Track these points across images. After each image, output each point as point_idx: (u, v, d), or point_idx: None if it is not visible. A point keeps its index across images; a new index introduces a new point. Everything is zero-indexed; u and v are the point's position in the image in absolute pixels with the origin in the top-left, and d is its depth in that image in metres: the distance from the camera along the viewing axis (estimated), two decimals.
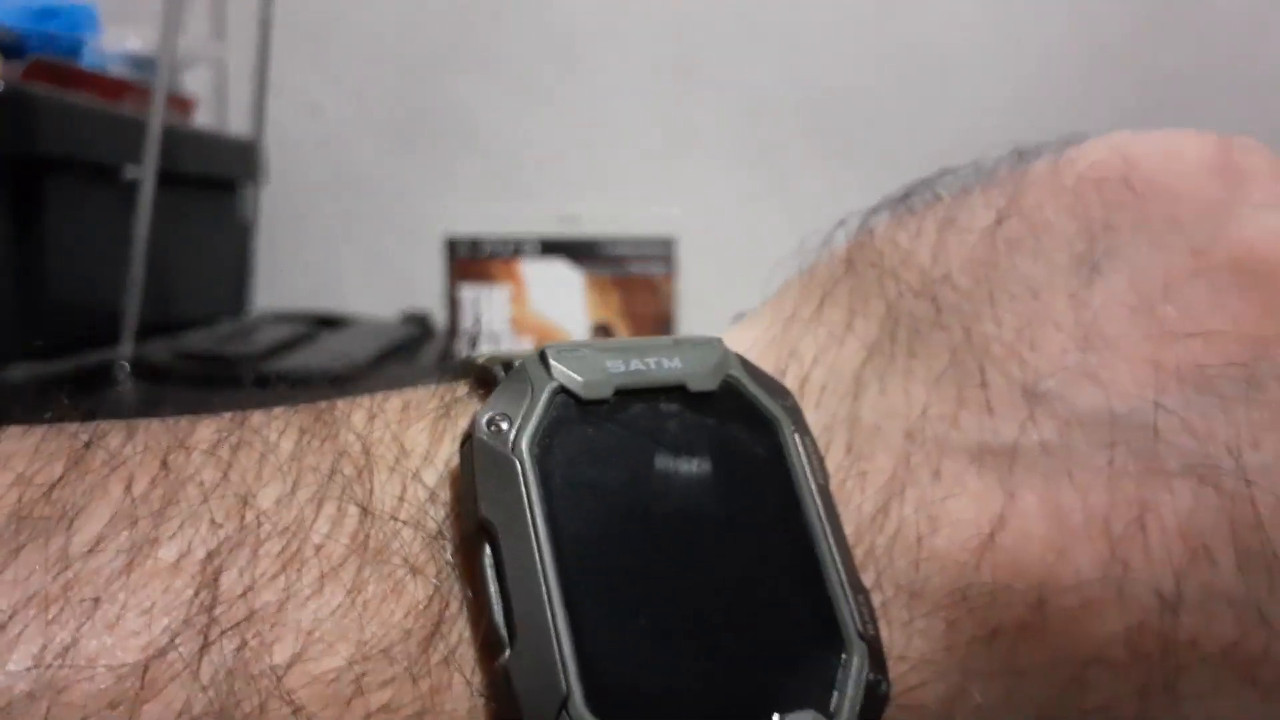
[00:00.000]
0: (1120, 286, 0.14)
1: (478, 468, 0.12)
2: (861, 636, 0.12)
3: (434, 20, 1.17)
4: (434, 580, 0.12)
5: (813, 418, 0.14)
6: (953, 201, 0.16)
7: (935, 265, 0.15)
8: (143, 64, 0.87)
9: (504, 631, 0.11)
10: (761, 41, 1.20)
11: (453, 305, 0.82)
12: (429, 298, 1.12)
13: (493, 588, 0.11)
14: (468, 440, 0.12)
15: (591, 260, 0.83)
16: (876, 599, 0.13)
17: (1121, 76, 1.24)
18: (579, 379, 0.13)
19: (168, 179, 0.75)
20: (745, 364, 0.14)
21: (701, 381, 0.13)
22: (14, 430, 0.13)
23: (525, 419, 0.12)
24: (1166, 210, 0.15)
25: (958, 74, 1.23)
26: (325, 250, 1.19)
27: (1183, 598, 0.13)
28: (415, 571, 0.12)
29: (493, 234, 0.80)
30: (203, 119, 1.09)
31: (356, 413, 0.14)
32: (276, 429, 0.13)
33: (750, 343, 0.15)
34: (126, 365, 0.64)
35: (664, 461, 0.12)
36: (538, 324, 0.83)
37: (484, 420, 0.12)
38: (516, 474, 0.12)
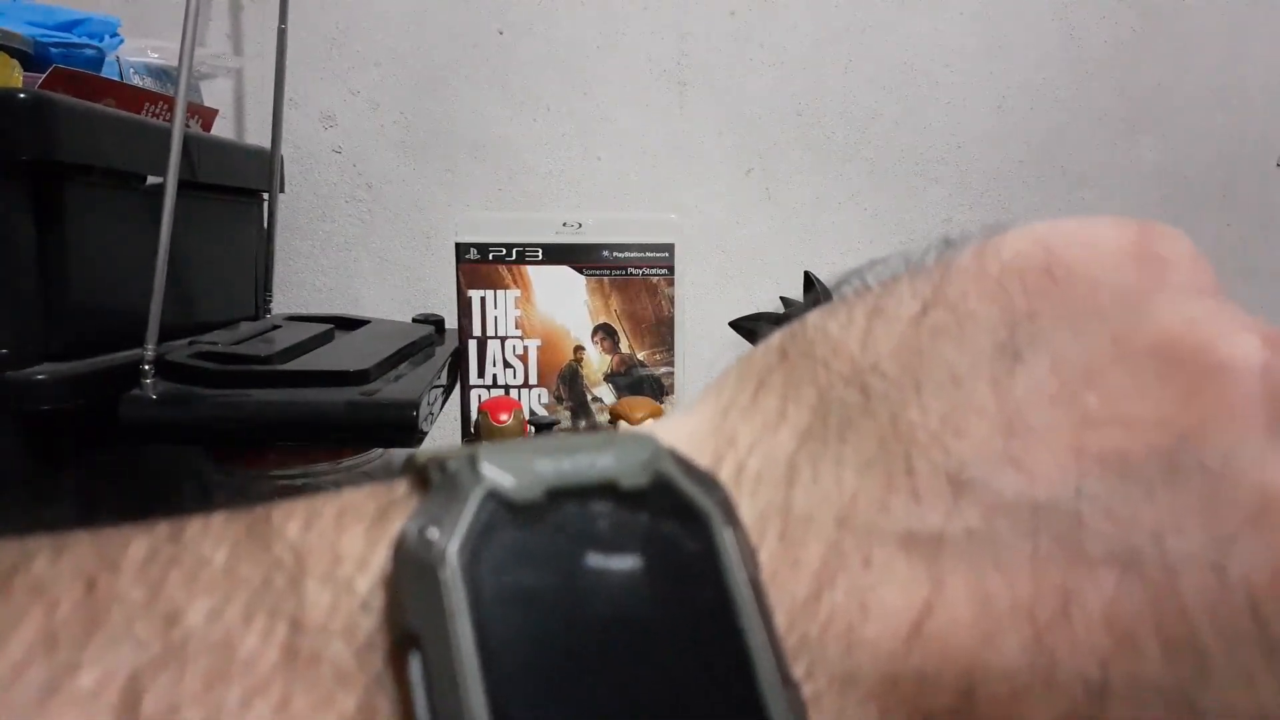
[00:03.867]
0: (1042, 374, 0.14)
1: (404, 578, 0.12)
2: None
3: (445, 35, 1.16)
4: (363, 690, 0.11)
5: (747, 506, 0.13)
6: (881, 291, 0.16)
7: (864, 354, 0.15)
8: (163, 75, 0.85)
9: None
10: (757, 55, 1.19)
11: (463, 308, 0.80)
12: (441, 300, 1.11)
13: (420, 700, 0.11)
14: (398, 547, 0.12)
15: (594, 265, 0.82)
16: (809, 688, 0.12)
17: (1105, 88, 1.23)
18: (509, 482, 0.12)
19: (188, 187, 0.73)
20: (677, 458, 0.13)
21: (633, 478, 0.13)
22: None
23: (454, 526, 0.12)
24: (1087, 298, 0.14)
25: (945, 87, 1.22)
26: (341, 256, 1.18)
27: (1109, 687, 0.12)
28: (345, 682, 0.11)
29: (500, 240, 0.79)
30: (223, 129, 1.07)
31: (292, 521, 0.13)
32: (211, 542, 0.12)
33: (690, 431, 0.15)
34: (149, 365, 0.62)
35: (595, 562, 0.12)
36: (544, 326, 0.82)
37: (413, 529, 0.12)
38: (441, 584, 0.11)
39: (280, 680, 0.11)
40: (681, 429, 0.15)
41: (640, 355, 0.84)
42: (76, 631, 0.11)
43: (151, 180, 0.74)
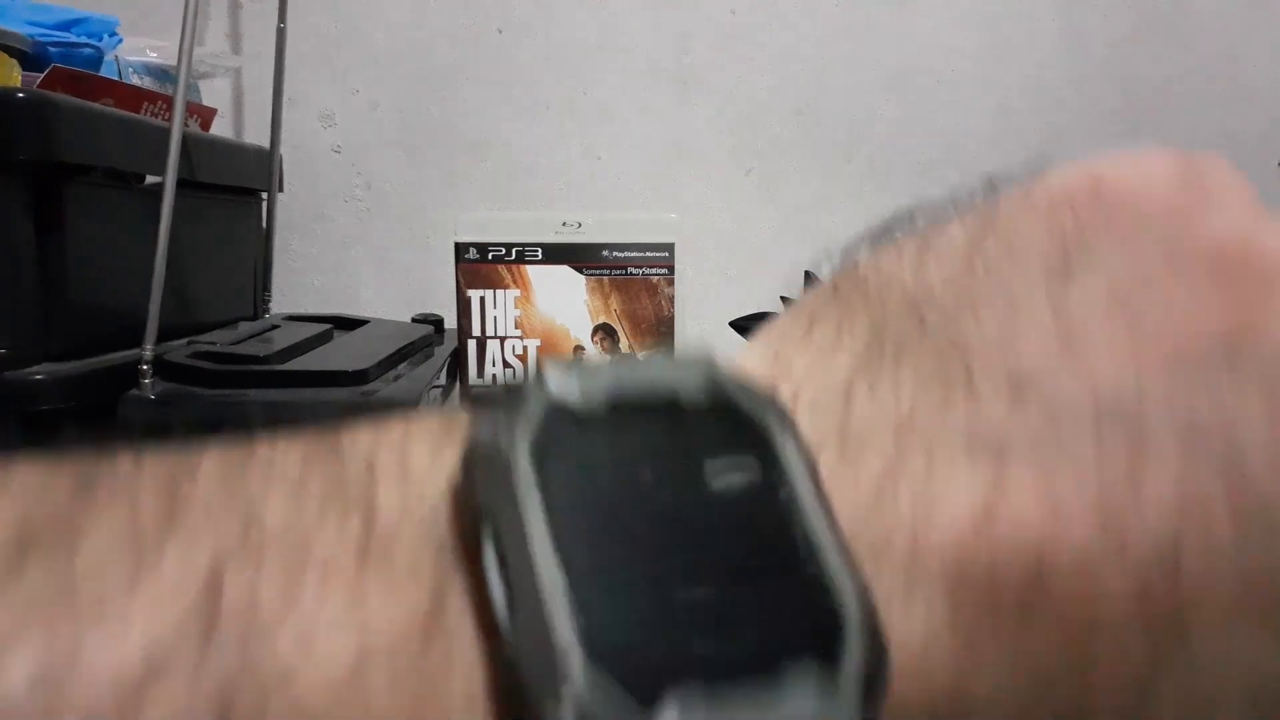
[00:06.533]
0: (1096, 288, 0.14)
1: (477, 465, 0.12)
2: (860, 608, 0.12)
3: (444, 35, 1.16)
4: (435, 580, 0.11)
5: (805, 430, 0.13)
6: (931, 229, 0.16)
7: (917, 284, 0.15)
8: (162, 74, 0.85)
9: (505, 612, 0.11)
10: (756, 55, 1.19)
11: (463, 308, 0.80)
12: (441, 300, 1.11)
13: (493, 574, 0.11)
14: (467, 447, 0.12)
15: (594, 264, 0.81)
16: (876, 587, 0.12)
17: (1107, 85, 1.23)
18: (573, 393, 0.13)
19: (187, 186, 0.73)
20: (734, 377, 0.14)
21: (692, 394, 0.13)
22: (23, 461, 0.12)
23: (521, 425, 0.12)
24: (1136, 218, 0.15)
25: (946, 85, 1.22)
26: (340, 255, 1.18)
27: (1182, 562, 0.12)
28: (416, 575, 0.11)
29: (500, 239, 0.79)
30: (221, 129, 1.07)
31: (361, 438, 0.13)
32: (282, 456, 0.13)
33: (742, 365, 0.15)
34: (148, 365, 0.62)
35: (656, 462, 0.12)
36: (544, 325, 0.82)
37: (483, 430, 0.12)
38: (512, 469, 0.12)
39: (354, 573, 0.11)
40: (734, 364, 0.15)
41: (640, 355, 0.84)
42: (158, 528, 0.11)
43: (150, 180, 0.74)
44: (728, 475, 0.12)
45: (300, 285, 1.17)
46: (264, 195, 1.04)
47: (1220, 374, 0.13)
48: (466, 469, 0.12)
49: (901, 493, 0.13)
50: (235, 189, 0.94)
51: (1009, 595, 0.12)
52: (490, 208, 1.14)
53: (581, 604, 0.11)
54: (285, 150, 1.08)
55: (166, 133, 0.64)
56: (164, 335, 0.65)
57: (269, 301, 1.05)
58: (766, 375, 0.15)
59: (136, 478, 0.12)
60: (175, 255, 0.65)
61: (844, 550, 0.12)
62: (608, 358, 0.14)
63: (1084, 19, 1.21)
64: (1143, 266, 0.14)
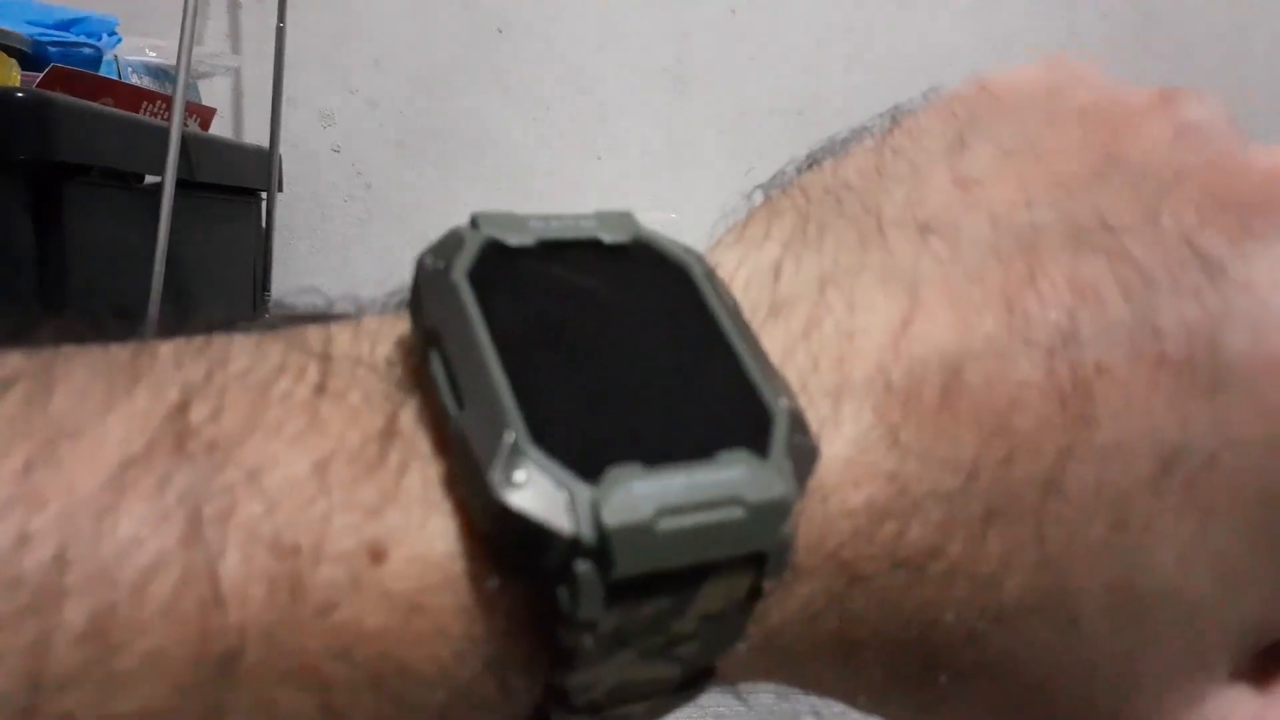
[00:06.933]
0: (986, 151, 0.16)
1: (422, 291, 0.13)
2: (785, 408, 0.13)
3: (443, 34, 1.16)
4: (390, 404, 0.12)
5: (739, 301, 0.15)
6: (845, 141, 0.18)
7: (834, 178, 0.17)
8: (161, 74, 0.85)
9: (453, 404, 0.12)
10: (754, 55, 1.19)
11: None
12: None
13: (441, 379, 0.12)
14: (413, 284, 0.13)
15: None
16: (807, 407, 0.13)
17: None
18: (505, 231, 0.14)
19: (187, 186, 0.73)
20: (657, 232, 0.15)
21: (615, 236, 0.14)
22: None
23: (459, 256, 0.13)
24: (1017, 98, 0.18)
25: (946, 85, 1.22)
26: (340, 255, 1.18)
27: (1080, 329, 0.14)
28: (371, 401, 0.12)
29: None
30: (221, 129, 1.07)
31: (312, 326, 0.14)
32: (239, 336, 0.14)
33: None
34: None
35: (585, 284, 0.13)
36: None
37: (424, 258, 0.13)
38: (456, 289, 0.13)
39: (312, 404, 0.12)
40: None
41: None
42: (129, 370, 0.12)
43: (150, 179, 0.74)
44: (655, 298, 0.14)
45: (300, 284, 1.17)
46: (263, 195, 1.04)
47: (1096, 188, 0.15)
48: (412, 300, 0.13)
49: (826, 327, 0.14)
50: (235, 189, 0.94)
51: (930, 395, 0.14)
52: (490, 208, 1.14)
53: (525, 398, 0.12)
54: (285, 150, 1.08)
55: (166, 132, 0.64)
56: (164, 334, 0.64)
57: (269, 301, 1.05)
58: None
59: (101, 348, 0.13)
60: (175, 255, 0.65)
61: (767, 364, 0.13)
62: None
63: (1084, 19, 1.21)
64: (1025, 128, 0.17)
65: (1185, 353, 0.14)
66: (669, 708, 0.13)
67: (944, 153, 0.17)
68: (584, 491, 0.11)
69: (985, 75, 0.18)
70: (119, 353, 0.12)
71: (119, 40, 0.85)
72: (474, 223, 0.14)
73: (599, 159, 1.19)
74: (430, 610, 0.11)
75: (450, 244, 0.14)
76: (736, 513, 0.12)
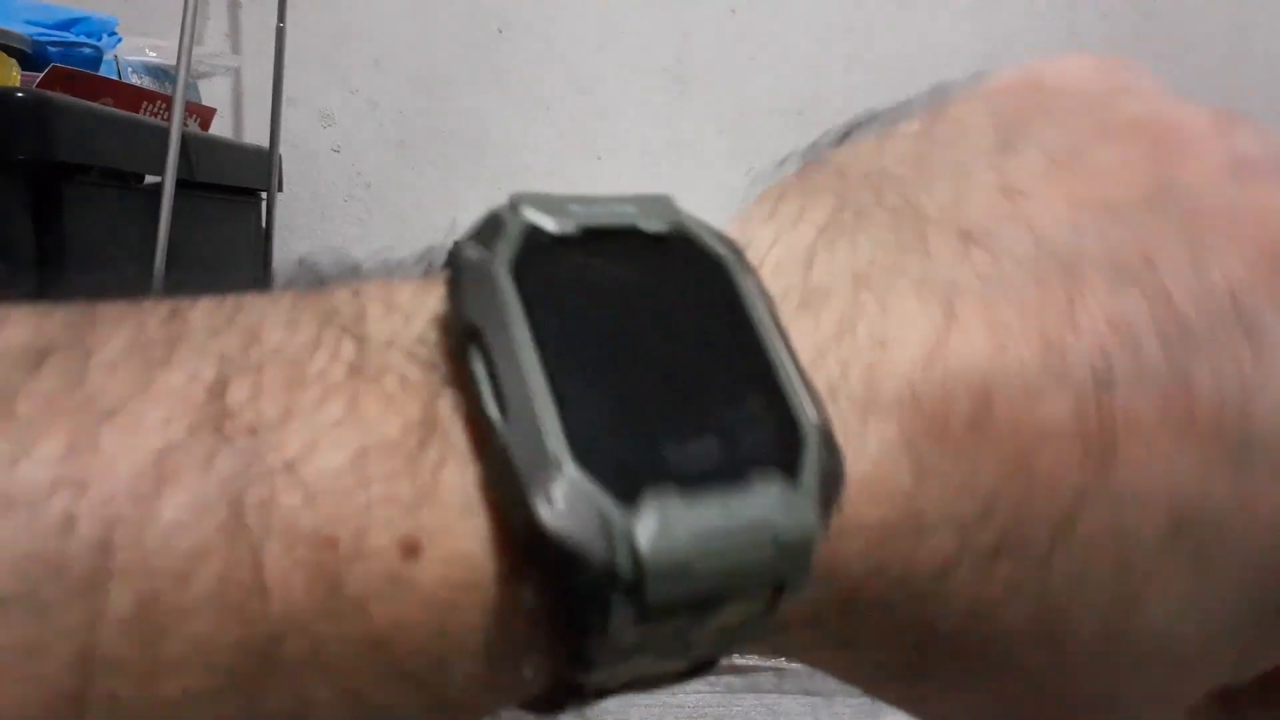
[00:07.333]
0: (1034, 157, 0.16)
1: (462, 282, 0.13)
2: (817, 423, 0.13)
3: (443, 34, 1.16)
4: (427, 392, 0.12)
5: (768, 286, 0.14)
6: (887, 121, 0.18)
7: (875, 163, 0.16)
8: (161, 74, 0.85)
9: (496, 414, 0.12)
10: (754, 55, 1.19)
11: None
12: None
13: (483, 380, 0.12)
14: (451, 266, 0.13)
15: None
16: (834, 415, 0.13)
17: None
18: (546, 215, 0.14)
19: (187, 186, 0.73)
20: (695, 219, 0.15)
21: (653, 224, 0.14)
22: (21, 305, 0.13)
23: (501, 245, 0.13)
24: (1068, 100, 0.17)
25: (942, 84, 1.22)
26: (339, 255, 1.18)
27: (1114, 373, 0.14)
28: (408, 389, 0.12)
29: None
30: (221, 129, 1.07)
31: (344, 286, 0.14)
32: (272, 299, 0.14)
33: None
34: None
35: (626, 280, 0.13)
36: None
37: (465, 249, 0.13)
38: (496, 283, 0.12)
39: (349, 386, 0.12)
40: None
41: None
42: (163, 342, 0.12)
43: (150, 179, 0.74)
44: (693, 296, 0.14)
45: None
46: (263, 195, 1.04)
47: (1145, 219, 0.15)
48: (451, 290, 0.13)
49: (859, 332, 0.14)
50: (235, 189, 0.94)
51: (958, 420, 0.13)
52: (490, 208, 1.14)
53: (567, 409, 0.12)
54: (285, 150, 1.08)
55: (166, 132, 0.64)
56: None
57: None
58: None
59: (137, 308, 0.13)
60: (175, 255, 0.65)
61: (801, 372, 0.13)
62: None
63: (1084, 19, 1.21)
64: (1074, 137, 0.16)
65: (1215, 416, 0.14)
66: (669, 685, 0.14)
67: (990, 153, 0.16)
68: (621, 519, 0.11)
69: (1035, 66, 0.18)
70: (151, 319, 0.12)
71: (119, 40, 0.85)
72: (513, 205, 0.14)
73: (599, 159, 1.19)
74: (460, 607, 0.11)
75: (490, 229, 0.13)
76: (767, 547, 0.12)
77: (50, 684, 0.10)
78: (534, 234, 0.13)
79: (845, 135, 0.18)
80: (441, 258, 0.15)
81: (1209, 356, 0.14)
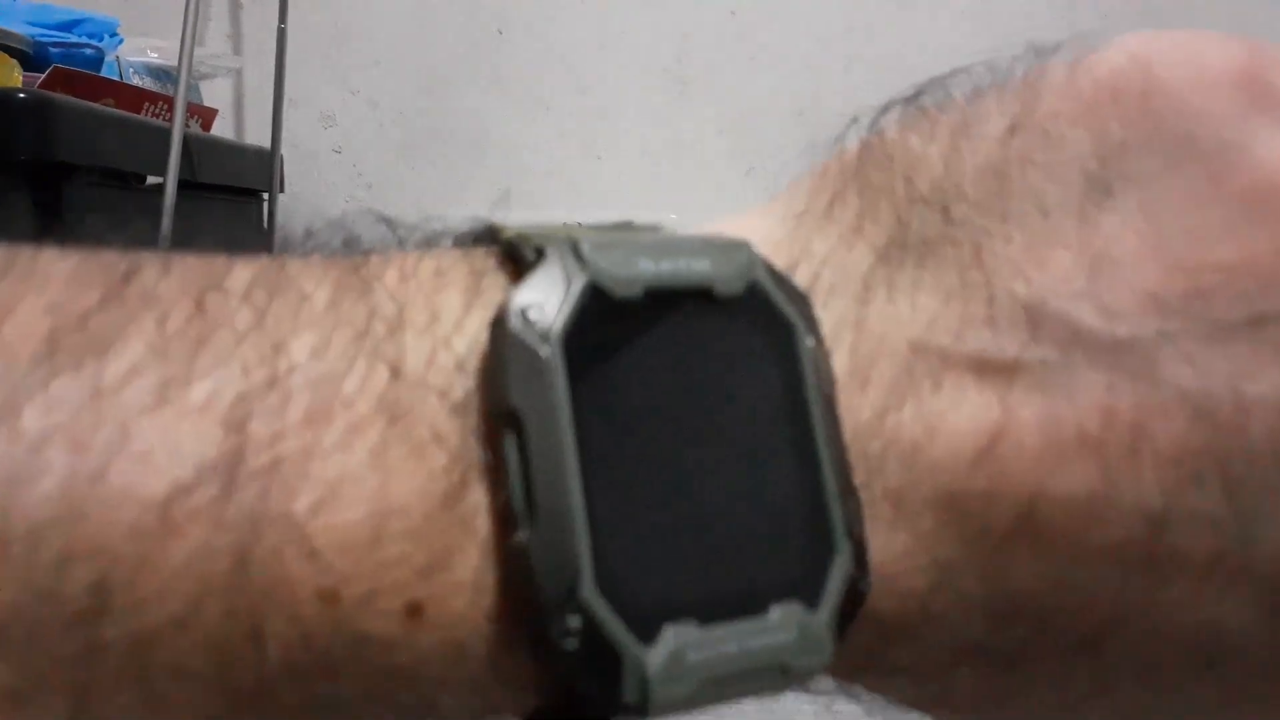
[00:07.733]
0: (1131, 211, 0.13)
1: (510, 357, 0.12)
2: (849, 537, 0.12)
3: (444, 36, 1.16)
4: (456, 449, 0.12)
5: (820, 317, 0.14)
6: (966, 106, 0.15)
7: (947, 174, 0.14)
8: (162, 75, 0.85)
9: (524, 512, 0.11)
10: (754, 55, 1.19)
11: None
12: None
13: (515, 472, 0.11)
14: (499, 324, 0.12)
15: None
16: (866, 499, 0.13)
17: None
18: (612, 276, 0.12)
19: (188, 187, 0.73)
20: (769, 269, 0.13)
21: (729, 285, 0.13)
22: (51, 253, 0.12)
23: (557, 312, 0.12)
24: (1184, 129, 0.14)
25: None
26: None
27: (1169, 518, 0.12)
28: (437, 439, 0.11)
29: None
30: (222, 129, 1.07)
31: (390, 270, 0.13)
32: (312, 279, 0.12)
33: (763, 235, 0.15)
34: None
35: (687, 363, 0.12)
36: None
37: (517, 308, 0.12)
38: (547, 367, 0.11)
39: (377, 426, 0.11)
40: (753, 231, 0.15)
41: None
42: (186, 346, 0.11)
43: (151, 180, 0.74)
44: (753, 373, 0.13)
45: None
46: (265, 196, 1.04)
47: (1241, 331, 0.13)
48: (497, 350, 0.12)
49: (906, 409, 0.13)
50: (236, 189, 0.94)
51: (998, 527, 0.13)
52: (490, 208, 1.14)
53: (598, 528, 0.11)
54: (286, 150, 1.08)
55: (167, 133, 0.64)
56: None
57: None
58: (786, 252, 0.14)
59: (165, 286, 0.12)
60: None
61: (844, 473, 0.12)
62: (644, 233, 0.14)
63: (1085, 20, 1.21)
64: (1182, 193, 0.13)
65: (1271, 572, 0.13)
66: None
67: (1081, 190, 0.14)
68: (637, 657, 0.11)
69: (1150, 52, 0.15)
70: (175, 314, 0.11)
71: (120, 41, 0.85)
72: (577, 251, 0.12)
73: (599, 159, 1.19)
74: (461, 662, 0.11)
75: (548, 285, 0.12)
76: (774, 674, 0.12)
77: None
78: (595, 296, 0.12)
79: (918, 94, 0.16)
80: (488, 235, 0.14)
81: (1273, 524, 0.13)
